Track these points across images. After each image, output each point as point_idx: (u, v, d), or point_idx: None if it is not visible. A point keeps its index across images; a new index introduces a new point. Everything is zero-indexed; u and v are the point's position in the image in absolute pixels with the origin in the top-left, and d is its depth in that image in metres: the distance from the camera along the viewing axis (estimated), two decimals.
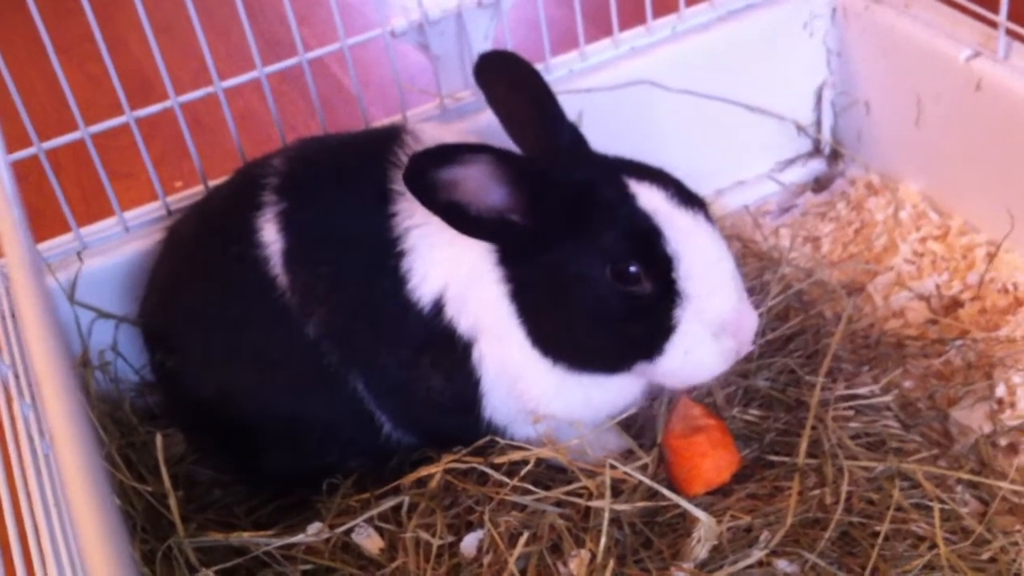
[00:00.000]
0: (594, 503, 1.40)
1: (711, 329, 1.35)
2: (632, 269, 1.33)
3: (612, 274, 1.33)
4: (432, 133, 1.53)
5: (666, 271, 1.33)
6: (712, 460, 1.45)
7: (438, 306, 1.42)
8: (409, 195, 1.43)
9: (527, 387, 1.42)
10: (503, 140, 1.66)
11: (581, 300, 1.36)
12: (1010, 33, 1.79)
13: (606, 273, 1.33)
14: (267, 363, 1.50)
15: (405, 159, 1.46)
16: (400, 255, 1.42)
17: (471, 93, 1.94)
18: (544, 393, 1.43)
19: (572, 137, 1.49)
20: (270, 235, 1.47)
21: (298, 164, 1.54)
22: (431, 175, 1.29)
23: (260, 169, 1.55)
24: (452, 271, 1.41)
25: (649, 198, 1.35)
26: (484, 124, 1.88)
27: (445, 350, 1.43)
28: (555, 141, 1.47)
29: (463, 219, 1.33)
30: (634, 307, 1.34)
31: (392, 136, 1.52)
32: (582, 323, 1.37)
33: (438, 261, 1.42)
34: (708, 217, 1.38)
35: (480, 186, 1.31)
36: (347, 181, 1.49)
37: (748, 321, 1.37)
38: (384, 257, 1.43)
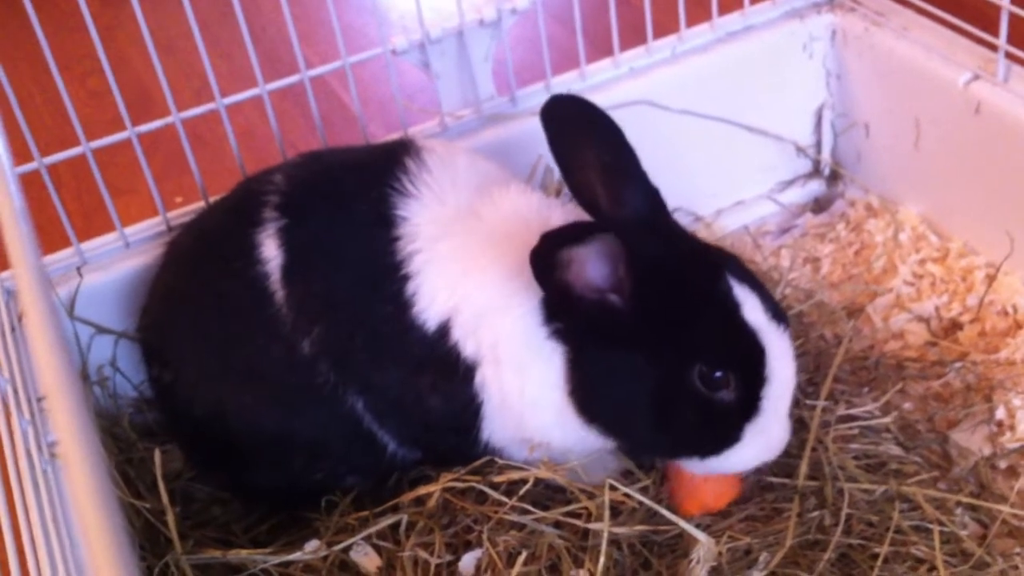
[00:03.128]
0: (592, 525, 1.40)
1: (764, 442, 1.37)
2: (722, 377, 1.32)
3: (699, 376, 1.32)
4: (442, 150, 1.52)
5: (755, 389, 1.34)
6: (714, 485, 1.45)
7: (443, 329, 1.41)
8: (412, 219, 1.43)
9: (531, 418, 1.42)
10: (504, 159, 1.66)
11: (658, 394, 1.34)
12: (1010, 56, 1.80)
13: (694, 373, 1.32)
14: (262, 379, 1.50)
15: (408, 185, 1.46)
16: (405, 278, 1.41)
17: (472, 111, 1.95)
18: (546, 424, 1.42)
19: (653, 203, 1.40)
20: (270, 251, 1.47)
21: (299, 182, 1.53)
22: (557, 254, 1.27)
23: (261, 185, 1.54)
24: (464, 297, 1.40)
25: (753, 310, 1.33)
26: (484, 143, 1.89)
27: (446, 372, 1.42)
28: (632, 206, 1.38)
29: (565, 297, 1.31)
30: (708, 411, 1.33)
31: (397, 154, 1.50)
32: (648, 415, 1.36)
33: (447, 287, 1.40)
34: (790, 332, 1.38)
35: (590, 265, 1.29)
36: (348, 202, 1.48)
37: (784, 436, 1.39)
38: (387, 279, 1.42)
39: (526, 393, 1.40)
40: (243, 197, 1.58)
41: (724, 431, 1.36)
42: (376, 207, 1.45)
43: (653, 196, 1.40)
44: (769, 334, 1.33)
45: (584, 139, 1.41)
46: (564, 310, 1.35)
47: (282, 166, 1.60)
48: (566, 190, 1.90)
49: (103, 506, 1.00)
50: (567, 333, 1.37)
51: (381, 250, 1.43)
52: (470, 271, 1.40)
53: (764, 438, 1.37)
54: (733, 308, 1.33)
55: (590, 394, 1.38)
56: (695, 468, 1.42)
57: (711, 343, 1.33)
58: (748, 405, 1.34)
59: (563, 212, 1.47)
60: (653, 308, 1.32)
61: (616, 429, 1.40)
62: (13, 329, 1.49)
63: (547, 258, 1.26)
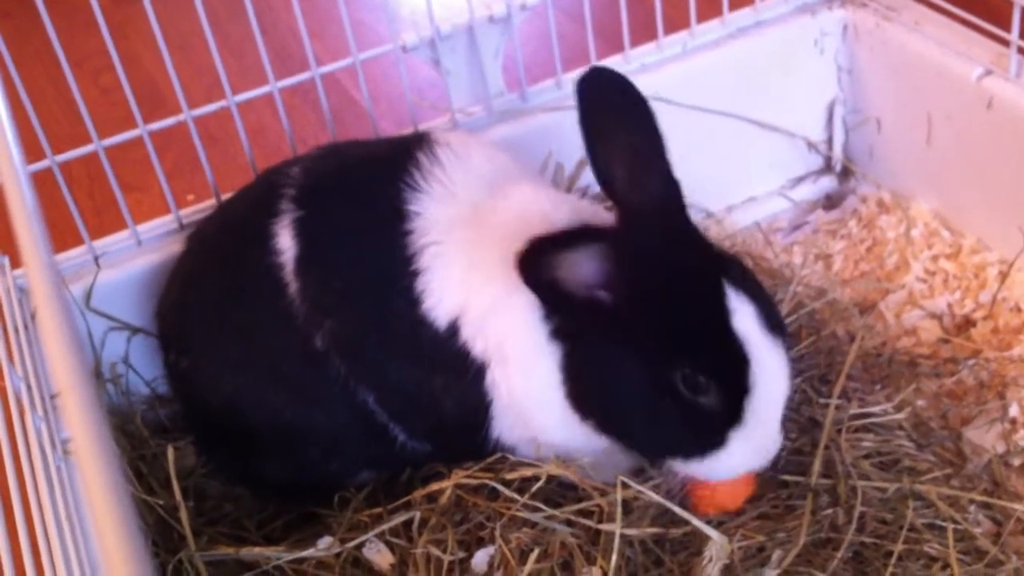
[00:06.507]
0: (604, 526, 1.39)
1: (751, 449, 1.36)
2: (703, 382, 1.31)
3: (682, 379, 1.31)
4: (456, 144, 1.51)
5: (738, 398, 1.32)
6: (730, 485, 1.44)
7: (453, 327, 1.41)
8: (424, 214, 1.43)
9: (536, 417, 1.42)
10: (514, 155, 1.66)
11: (640, 392, 1.34)
12: (1022, 52, 1.79)
13: (677, 376, 1.31)
14: (276, 370, 1.50)
15: (419, 180, 1.46)
16: (415, 274, 1.42)
17: (482, 108, 1.95)
18: (551, 424, 1.42)
19: (668, 195, 1.36)
20: (285, 242, 1.47)
21: (316, 175, 1.53)
22: (545, 260, 1.26)
23: (279, 177, 1.54)
24: (472, 295, 1.40)
25: (744, 319, 1.31)
26: (494, 139, 1.88)
27: (457, 370, 1.42)
28: (646, 194, 1.34)
29: (553, 296, 1.30)
30: (691, 414, 1.32)
31: (410, 149, 1.50)
32: (634, 412, 1.36)
33: (455, 283, 1.40)
34: (786, 344, 1.36)
35: (580, 265, 1.28)
36: (362, 196, 1.49)
37: (773, 446, 1.38)
38: (398, 275, 1.42)
39: (531, 393, 1.40)
40: (262, 188, 1.59)
41: (707, 435, 1.34)
42: (390, 201, 1.45)
43: (671, 187, 1.36)
44: (758, 346, 1.31)
45: (616, 117, 1.36)
46: (554, 307, 1.34)
47: (300, 158, 1.60)
48: (579, 184, 1.93)
49: (116, 503, 1.01)
50: (563, 331, 1.36)
51: (393, 245, 1.43)
52: (476, 268, 1.40)
53: (750, 446, 1.35)
54: (723, 316, 1.30)
55: (581, 389, 1.37)
56: (683, 471, 1.40)
57: (694, 348, 1.31)
58: (732, 412, 1.33)
59: (569, 210, 1.44)
60: (643, 307, 1.31)
61: (606, 425, 1.39)
62: (26, 326, 1.49)
63: (532, 260, 1.25)
